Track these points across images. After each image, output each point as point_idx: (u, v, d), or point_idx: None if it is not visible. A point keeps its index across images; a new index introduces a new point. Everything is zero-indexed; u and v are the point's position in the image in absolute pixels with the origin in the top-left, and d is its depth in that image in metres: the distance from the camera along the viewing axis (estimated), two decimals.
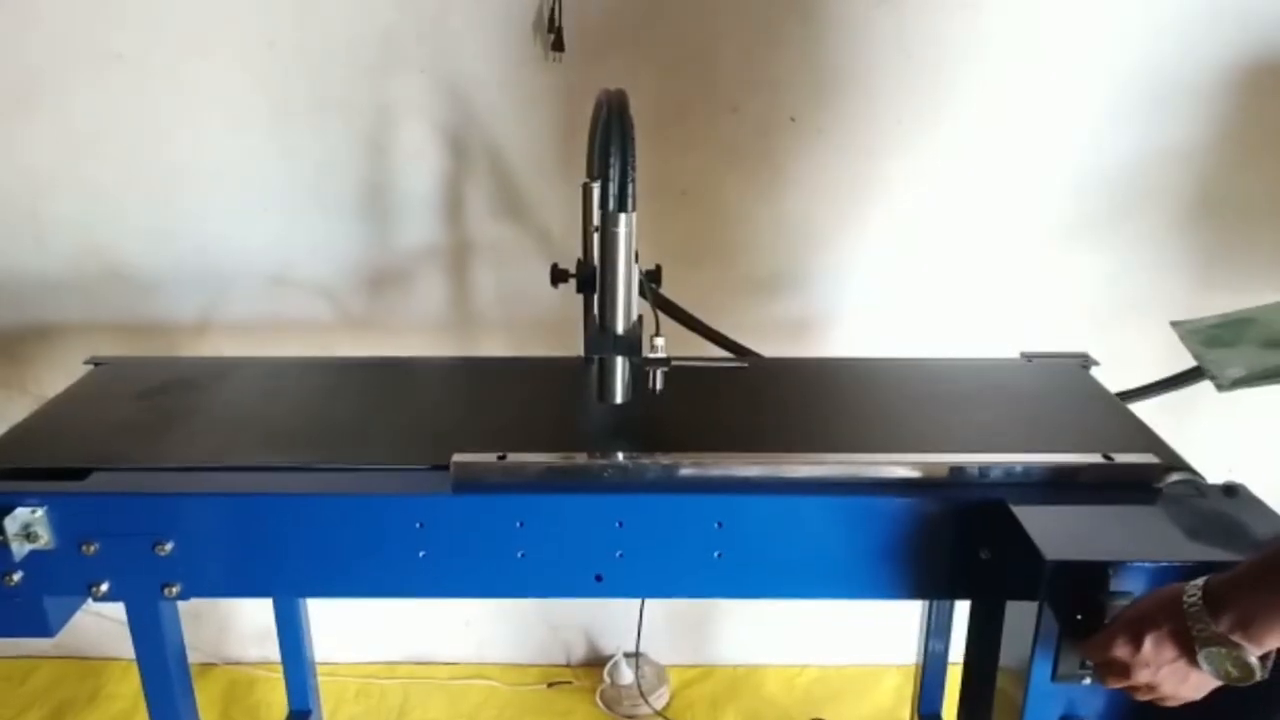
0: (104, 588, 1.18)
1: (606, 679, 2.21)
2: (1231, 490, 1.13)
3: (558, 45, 1.74)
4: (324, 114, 1.82)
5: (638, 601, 2.11)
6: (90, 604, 1.22)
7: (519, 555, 1.17)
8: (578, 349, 1.53)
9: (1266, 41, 1.77)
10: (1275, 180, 1.87)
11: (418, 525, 1.16)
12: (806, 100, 1.82)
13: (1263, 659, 0.88)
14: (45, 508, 1.13)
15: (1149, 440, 1.28)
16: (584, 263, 1.35)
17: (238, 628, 2.29)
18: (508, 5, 1.74)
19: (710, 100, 1.82)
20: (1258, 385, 1.20)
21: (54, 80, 1.80)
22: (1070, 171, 1.86)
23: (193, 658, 1.41)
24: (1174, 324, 1.33)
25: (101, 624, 2.17)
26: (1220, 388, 1.22)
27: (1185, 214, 1.89)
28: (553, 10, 1.72)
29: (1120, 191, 1.87)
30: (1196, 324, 1.31)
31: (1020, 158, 1.85)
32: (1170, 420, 1.37)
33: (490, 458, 1.17)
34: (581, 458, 1.20)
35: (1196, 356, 1.24)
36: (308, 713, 1.90)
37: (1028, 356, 1.58)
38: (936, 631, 1.77)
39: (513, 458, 1.18)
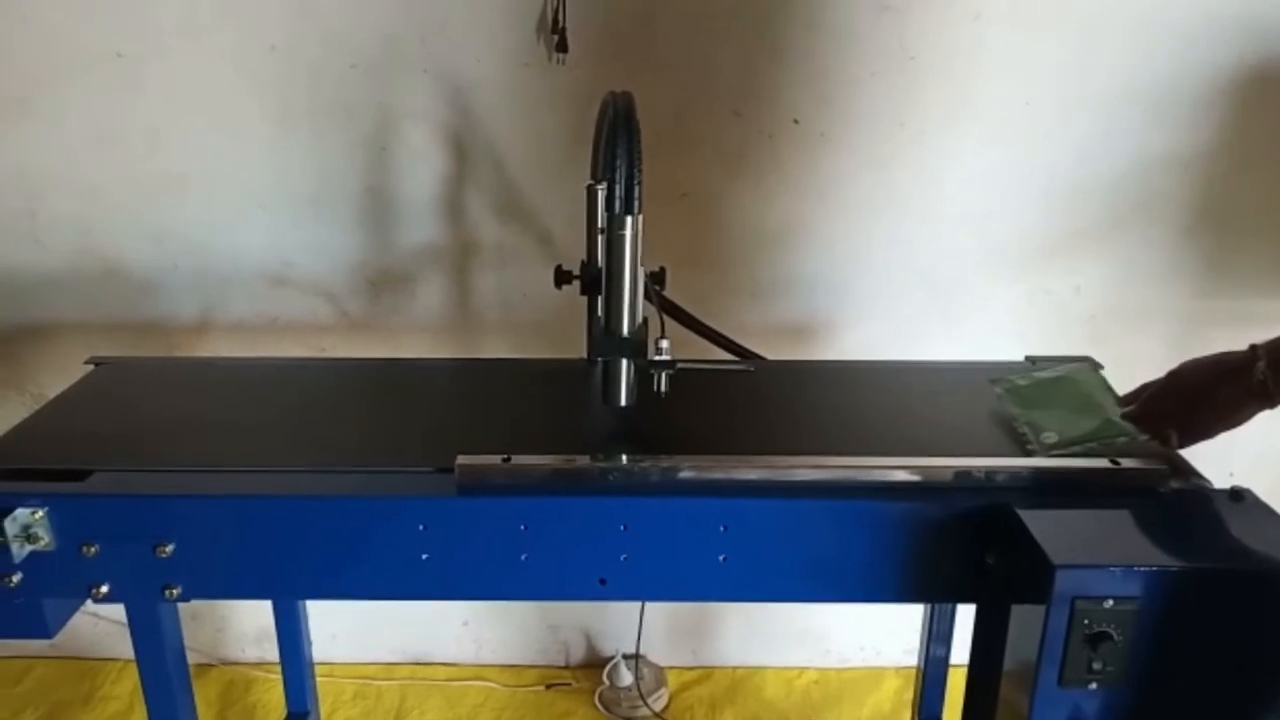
0: (104, 589, 1.17)
1: (605, 681, 2.21)
2: (1238, 495, 1.13)
3: (561, 47, 1.73)
4: (326, 115, 1.81)
5: (637, 603, 2.10)
6: (88, 604, 1.22)
7: (523, 558, 1.16)
8: (579, 351, 1.53)
9: (1266, 48, 1.77)
10: (1275, 187, 1.87)
11: (421, 527, 1.15)
12: (809, 104, 1.81)
13: None
14: (46, 509, 1.13)
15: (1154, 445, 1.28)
16: (588, 264, 1.35)
17: (235, 628, 2.28)
18: (511, 6, 1.74)
19: (713, 103, 1.81)
20: (1070, 451, 1.22)
21: (52, 80, 1.79)
22: (1072, 178, 1.86)
23: (190, 658, 1.40)
24: (992, 381, 1.36)
25: (97, 624, 2.16)
26: (1034, 454, 1.24)
27: (1186, 221, 1.89)
28: (556, 12, 1.72)
29: (1122, 198, 1.87)
30: (1011, 382, 1.34)
31: (1022, 163, 1.85)
32: None
33: (495, 460, 1.17)
34: (586, 461, 1.19)
35: (1013, 418, 1.27)
36: (306, 714, 1.89)
37: (1032, 360, 1.58)
38: (938, 635, 1.76)
39: (517, 460, 1.17)
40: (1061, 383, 1.35)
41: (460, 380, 1.58)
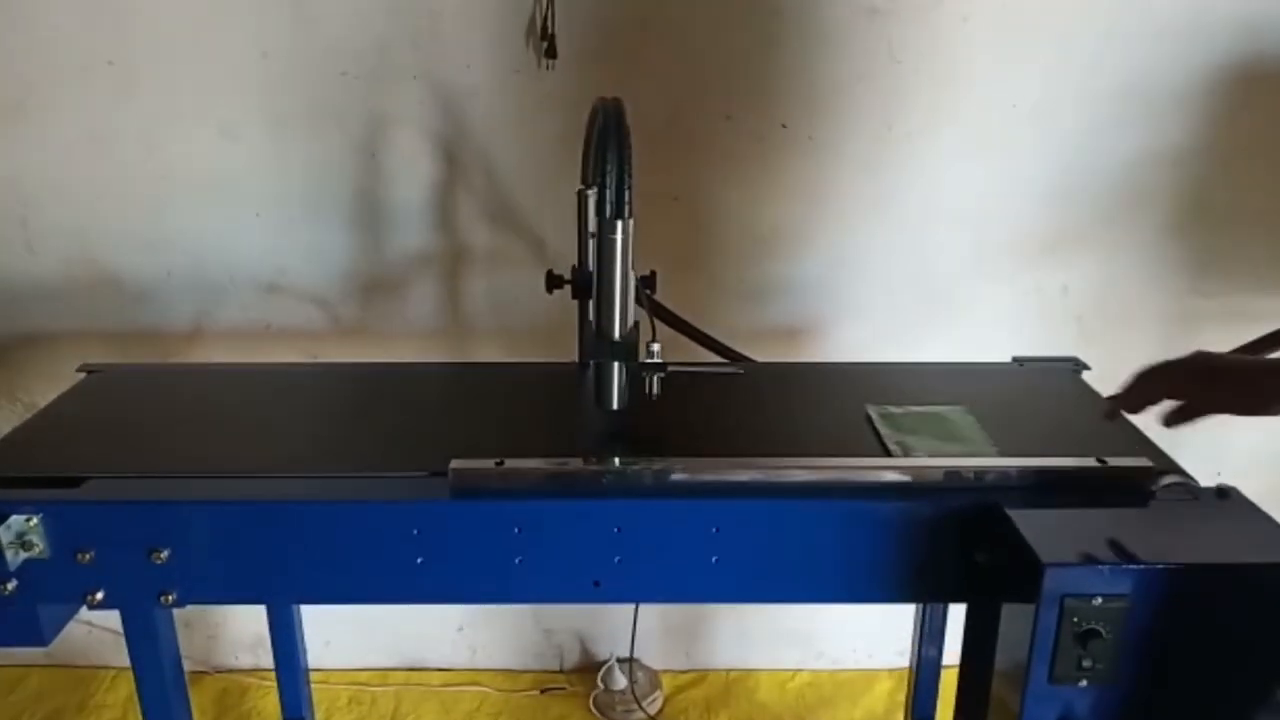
0: (99, 596, 1.16)
1: (600, 684, 2.21)
2: (1224, 493, 1.14)
3: (550, 53, 1.74)
4: (317, 122, 1.82)
5: (631, 606, 2.11)
6: (82, 613, 1.22)
7: (517, 561, 1.17)
8: (570, 355, 1.53)
9: (1252, 46, 1.79)
10: (1263, 186, 1.89)
11: (415, 532, 1.15)
12: (798, 107, 1.83)
13: None
14: (40, 516, 1.12)
15: (1141, 444, 1.29)
16: (580, 269, 1.36)
17: (229, 636, 2.28)
18: (501, 13, 1.75)
19: (702, 108, 1.83)
20: None
21: (45, 87, 1.79)
22: (1059, 178, 1.88)
23: (184, 666, 1.40)
24: (868, 406, 1.39)
25: (91, 632, 2.16)
26: None
27: (1174, 219, 1.91)
28: (545, 18, 1.73)
29: (1110, 198, 1.89)
30: (889, 410, 1.38)
31: (1009, 164, 1.87)
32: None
33: (488, 464, 1.17)
34: (579, 463, 1.19)
35: (885, 438, 1.31)
36: None
37: (1019, 360, 1.59)
38: (930, 635, 1.77)
39: (510, 464, 1.18)
40: (931, 418, 1.37)
41: (453, 385, 1.58)
